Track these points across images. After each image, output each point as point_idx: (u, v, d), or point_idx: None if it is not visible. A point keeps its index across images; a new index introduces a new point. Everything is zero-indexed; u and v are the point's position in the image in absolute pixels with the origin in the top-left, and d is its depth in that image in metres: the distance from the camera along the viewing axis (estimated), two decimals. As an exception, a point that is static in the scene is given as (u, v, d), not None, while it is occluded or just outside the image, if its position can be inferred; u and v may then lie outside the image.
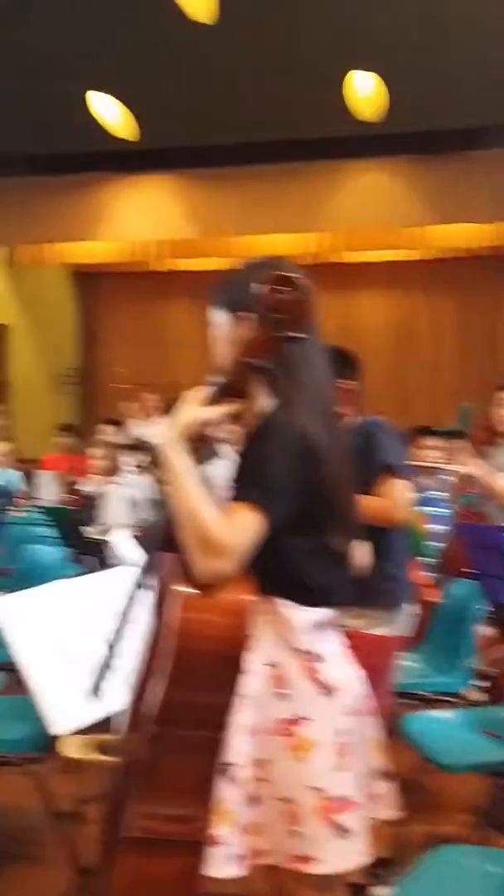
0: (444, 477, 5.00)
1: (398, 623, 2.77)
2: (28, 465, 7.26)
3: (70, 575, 4.58)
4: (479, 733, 2.85)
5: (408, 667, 3.39)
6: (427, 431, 5.33)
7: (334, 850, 1.69)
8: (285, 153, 8.48)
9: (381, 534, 2.55)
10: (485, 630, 3.74)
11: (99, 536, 5.02)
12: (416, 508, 4.23)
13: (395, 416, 3.32)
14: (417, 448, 5.10)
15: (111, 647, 1.73)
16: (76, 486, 6.15)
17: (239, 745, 1.68)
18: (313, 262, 8.49)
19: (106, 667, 1.75)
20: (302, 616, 1.75)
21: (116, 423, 7.73)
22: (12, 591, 4.23)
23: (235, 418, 1.78)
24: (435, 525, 4.60)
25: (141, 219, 9.45)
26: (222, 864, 1.65)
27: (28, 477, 7.06)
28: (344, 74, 7.52)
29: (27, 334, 11.40)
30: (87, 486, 5.95)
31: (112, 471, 5.57)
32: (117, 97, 8.06)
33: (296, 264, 1.77)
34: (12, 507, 6.42)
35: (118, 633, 1.74)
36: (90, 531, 5.17)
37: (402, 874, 1.80)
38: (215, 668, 1.64)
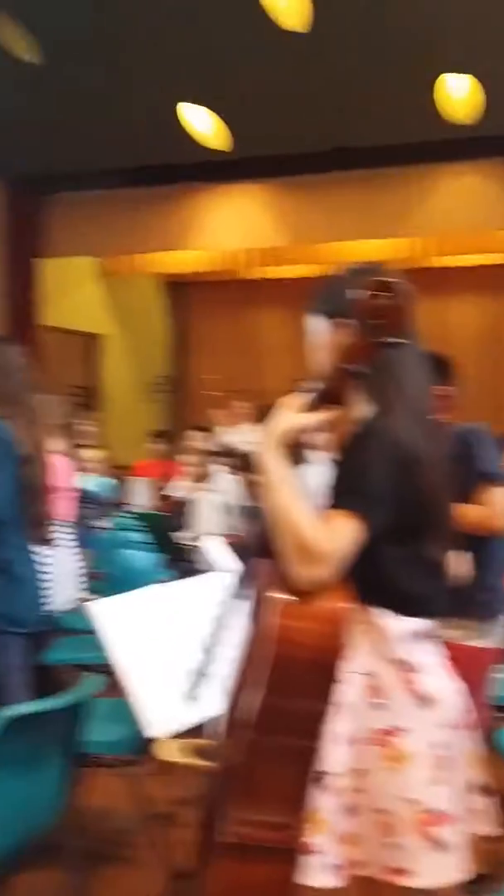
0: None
1: (495, 635, 2.71)
2: (120, 472, 7.39)
3: (162, 580, 4.65)
4: None
5: (504, 680, 3.31)
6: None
7: (431, 864, 1.66)
8: (377, 159, 8.43)
9: (479, 543, 2.50)
10: None
11: (190, 542, 5.07)
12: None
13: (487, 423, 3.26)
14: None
15: (207, 653, 1.74)
16: (167, 493, 6.23)
17: (335, 755, 1.67)
18: (404, 267, 8.35)
19: (202, 672, 1.76)
20: (398, 626, 1.72)
21: (205, 430, 7.80)
22: (106, 595, 4.31)
23: (333, 425, 1.77)
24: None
25: (231, 228, 9.52)
26: (318, 873, 1.64)
27: (121, 483, 7.19)
28: (435, 78, 7.44)
29: (120, 343, 11.62)
30: (178, 492, 6.02)
31: (203, 477, 5.62)
32: (209, 107, 8.15)
33: (394, 269, 1.75)
34: (105, 513, 6.54)
35: (214, 638, 1.75)
36: (181, 537, 5.23)
37: (500, 891, 1.75)
38: (312, 675, 1.63)
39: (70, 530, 4.61)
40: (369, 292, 1.65)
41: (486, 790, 1.81)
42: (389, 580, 1.74)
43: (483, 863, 2.20)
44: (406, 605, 1.74)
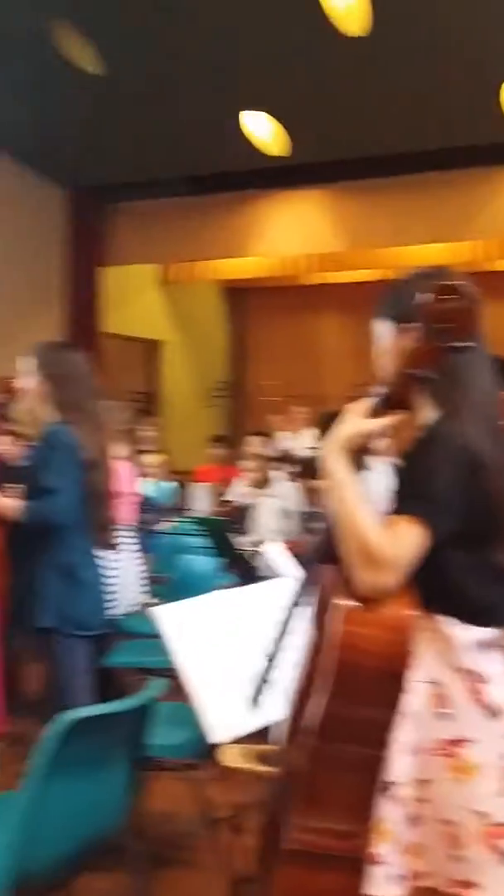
0: None
1: None
2: (180, 477, 7.43)
3: (223, 585, 4.66)
4: None
5: None
6: None
7: (498, 878, 1.63)
8: (438, 162, 8.35)
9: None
10: None
11: (250, 548, 5.07)
12: None
13: None
14: None
15: (270, 659, 1.74)
16: (227, 498, 6.25)
17: (400, 764, 1.65)
18: (467, 270, 8.30)
19: (265, 678, 1.75)
20: (465, 634, 1.70)
21: (264, 435, 7.80)
22: (167, 599, 4.34)
23: (397, 430, 1.75)
24: None
25: (291, 233, 9.53)
26: (383, 883, 1.62)
27: (181, 488, 7.23)
28: (499, 80, 7.34)
29: (180, 350, 11.71)
30: (238, 496, 6.03)
31: (263, 483, 5.62)
32: (269, 113, 8.17)
33: (461, 272, 1.73)
34: (165, 518, 6.59)
35: (277, 644, 1.75)
36: (241, 542, 5.23)
37: None
38: (377, 683, 1.61)
39: (132, 535, 4.66)
40: (435, 296, 1.64)
41: None
42: (455, 587, 1.71)
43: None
44: (473, 614, 1.71)
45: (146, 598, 4.60)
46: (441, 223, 8.68)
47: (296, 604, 1.76)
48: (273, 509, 5.46)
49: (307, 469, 5.80)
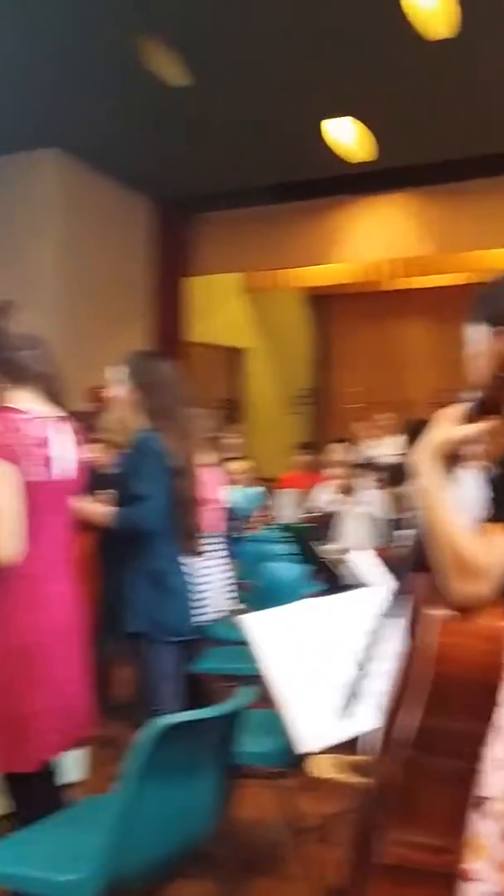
0: None
1: None
2: (264, 484, 7.45)
3: (309, 593, 4.65)
4: None
5: None
6: None
7: None
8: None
9: None
10: None
11: (335, 555, 5.04)
12: None
13: None
14: None
15: (361, 668, 1.72)
16: (312, 505, 6.23)
17: (494, 779, 1.60)
18: None
19: (355, 687, 1.73)
20: None
21: (348, 442, 7.76)
22: (252, 606, 4.35)
23: (491, 436, 1.71)
24: None
25: (375, 239, 9.47)
26: (477, 900, 1.58)
27: (266, 495, 7.24)
28: None
29: (264, 357, 11.76)
30: (323, 504, 6.01)
31: (348, 490, 5.58)
32: (354, 118, 8.14)
33: None
34: (250, 526, 6.61)
35: (368, 653, 1.73)
36: (327, 550, 5.21)
37: None
38: (472, 695, 1.57)
39: (218, 542, 4.68)
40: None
41: None
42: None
43: None
44: None
45: (232, 605, 4.61)
46: (528, 225, 8.52)
47: (388, 613, 1.73)
48: (359, 517, 5.42)
49: (393, 476, 5.75)
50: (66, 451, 2.38)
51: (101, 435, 5.08)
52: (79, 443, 2.49)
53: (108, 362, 3.22)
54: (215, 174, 8.82)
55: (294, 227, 9.57)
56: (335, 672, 1.98)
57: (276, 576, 4.59)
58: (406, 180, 8.91)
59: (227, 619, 4.47)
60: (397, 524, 5.48)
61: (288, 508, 7.09)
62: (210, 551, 3.99)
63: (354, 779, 1.90)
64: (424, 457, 1.67)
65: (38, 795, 2.34)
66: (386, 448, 8.00)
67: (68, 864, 1.78)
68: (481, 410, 1.70)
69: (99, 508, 3.01)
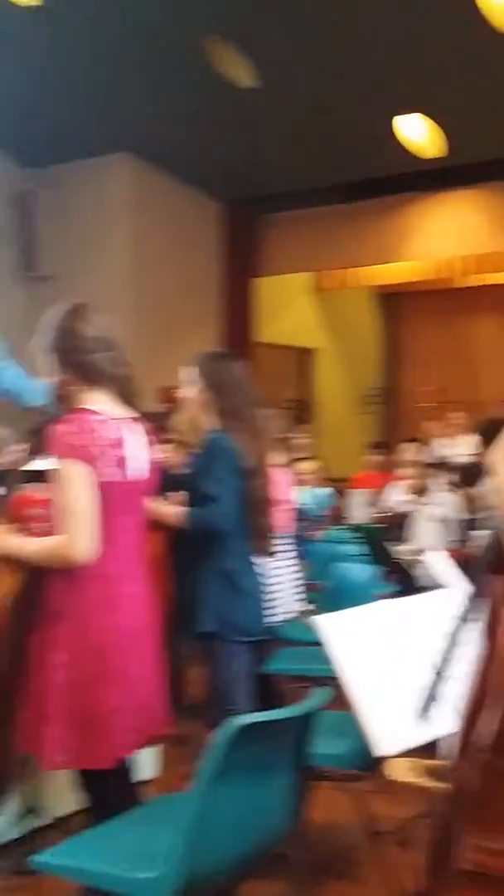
0: None
1: None
2: (334, 484, 7.41)
3: (380, 594, 4.60)
4: None
5: None
6: None
7: None
8: None
9: None
10: None
11: (408, 556, 4.99)
12: None
13: None
14: None
15: (439, 671, 1.69)
16: (384, 505, 6.18)
17: None
18: None
19: (433, 690, 1.71)
20: None
21: (420, 442, 7.67)
22: (323, 607, 4.32)
23: None
24: None
25: (445, 236, 9.35)
26: None
27: (335, 495, 7.20)
28: None
29: (333, 357, 11.70)
30: (395, 504, 5.95)
31: (421, 490, 5.51)
32: (424, 115, 8.05)
33: None
34: (320, 525, 6.58)
35: (445, 656, 1.70)
36: (399, 551, 5.15)
37: None
38: None
39: (288, 542, 4.67)
40: None
41: None
42: None
43: None
44: None
45: (302, 606, 4.60)
46: None
47: (465, 616, 1.70)
48: (432, 517, 5.35)
49: (466, 476, 5.66)
50: (139, 452, 2.40)
51: (172, 435, 5.12)
52: (151, 443, 2.51)
53: (179, 364, 3.24)
54: (284, 174, 8.82)
55: (364, 226, 9.51)
56: (412, 674, 1.96)
57: (347, 577, 4.56)
58: (477, 176, 8.77)
59: (298, 620, 4.46)
60: (470, 525, 5.39)
61: (359, 508, 7.04)
62: (281, 552, 3.99)
63: (431, 783, 1.87)
64: (502, 456, 1.64)
65: (113, 792, 2.36)
66: (459, 448, 7.90)
67: (145, 862, 1.79)
68: None
69: (171, 509, 3.02)
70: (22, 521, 2.47)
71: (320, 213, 9.64)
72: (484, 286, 10.91)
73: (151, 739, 2.48)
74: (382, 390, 12.30)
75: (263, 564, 3.44)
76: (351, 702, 1.92)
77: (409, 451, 6.87)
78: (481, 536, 1.72)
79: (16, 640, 2.32)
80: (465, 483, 5.65)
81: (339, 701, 2.18)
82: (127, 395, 2.44)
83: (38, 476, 2.61)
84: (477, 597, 1.71)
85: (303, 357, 11.56)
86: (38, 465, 2.52)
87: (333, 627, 1.97)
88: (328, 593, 4.60)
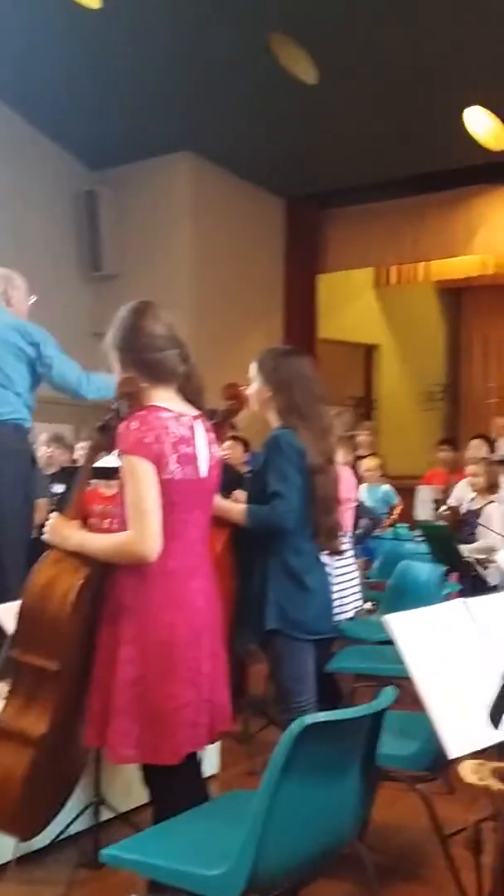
0: None
1: None
2: (396, 482, 7.34)
3: (446, 593, 4.54)
4: None
5: None
6: None
7: None
8: None
9: None
10: None
11: (476, 555, 4.91)
12: None
13: None
14: None
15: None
16: (452, 503, 6.10)
17: None
18: None
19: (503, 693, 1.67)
20: None
21: (486, 438, 7.56)
22: (386, 606, 4.28)
23: None
24: None
25: (511, 230, 9.20)
26: None
27: (397, 493, 7.14)
28: None
29: (395, 353, 11.61)
30: (462, 502, 5.86)
31: (490, 488, 5.41)
32: (491, 109, 7.92)
33: None
34: (382, 523, 6.53)
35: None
36: (466, 549, 5.08)
37: None
38: None
39: (350, 540, 4.64)
40: None
41: None
42: None
43: None
44: None
45: (361, 605, 4.57)
46: None
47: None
48: (500, 516, 5.25)
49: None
50: (204, 449, 2.40)
51: (236, 433, 5.13)
52: (216, 441, 2.51)
53: (243, 360, 3.23)
54: (346, 170, 8.76)
55: (428, 220, 9.41)
56: (485, 675, 1.92)
57: (411, 575, 4.51)
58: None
59: (360, 618, 4.43)
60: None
61: (426, 506, 6.96)
62: (344, 550, 3.96)
63: (499, 785, 1.83)
64: None
65: (179, 788, 2.37)
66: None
67: (214, 859, 1.79)
68: None
69: (235, 506, 3.02)
70: (89, 517, 2.50)
71: (382, 207, 9.56)
72: (551, 280, 10.71)
73: (216, 736, 2.48)
74: (445, 387, 12.16)
75: (330, 563, 3.43)
76: (423, 702, 1.89)
77: (476, 448, 6.78)
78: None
79: (85, 635, 2.35)
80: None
81: (402, 700, 2.15)
82: (192, 393, 2.45)
83: (106, 473, 2.63)
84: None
85: (365, 353, 11.49)
86: (105, 461, 2.54)
87: (405, 627, 1.94)
88: (391, 592, 4.56)
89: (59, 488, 5.75)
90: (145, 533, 2.23)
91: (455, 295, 12.24)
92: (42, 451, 6.25)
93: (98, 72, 7.87)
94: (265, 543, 2.99)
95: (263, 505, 2.95)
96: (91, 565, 2.34)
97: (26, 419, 3.89)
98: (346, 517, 4.37)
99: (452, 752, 1.87)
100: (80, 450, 6.17)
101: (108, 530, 2.42)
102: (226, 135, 8.54)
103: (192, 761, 2.44)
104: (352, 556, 4.56)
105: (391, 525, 6.71)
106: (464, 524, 5.41)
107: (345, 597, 4.21)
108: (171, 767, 2.29)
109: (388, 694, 1.90)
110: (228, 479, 2.86)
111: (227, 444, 4.64)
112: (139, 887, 2.27)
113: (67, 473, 6.01)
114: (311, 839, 1.82)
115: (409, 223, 9.49)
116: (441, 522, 5.86)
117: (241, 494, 3.19)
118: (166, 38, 7.38)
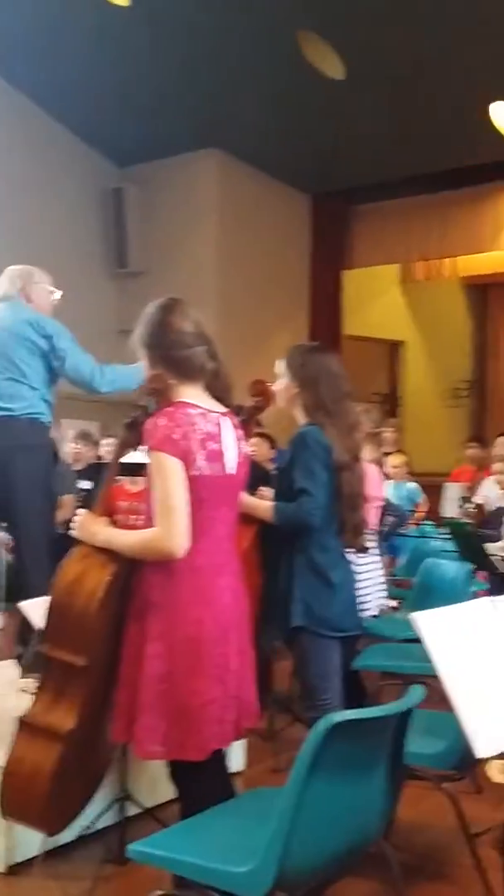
0: None
1: None
2: (421, 479, 7.30)
3: (472, 591, 4.51)
4: None
5: None
6: None
7: None
8: None
9: None
10: None
11: (502, 553, 4.88)
12: None
13: None
14: None
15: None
16: (477, 501, 6.06)
17: None
18: None
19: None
20: None
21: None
22: (411, 603, 4.26)
23: None
24: None
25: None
26: None
27: (423, 490, 7.11)
28: None
29: (421, 349, 11.55)
30: (488, 499, 5.82)
31: (516, 486, 5.38)
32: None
33: None
34: (408, 521, 6.49)
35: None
36: (493, 547, 5.04)
37: None
38: None
39: (375, 538, 4.62)
40: None
41: None
42: None
43: None
44: None
45: (386, 602, 4.55)
46: None
47: None
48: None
49: None
50: (232, 446, 2.40)
51: (263, 429, 5.12)
52: (243, 437, 2.51)
53: (269, 357, 3.23)
54: (372, 166, 8.72)
55: (454, 216, 9.35)
56: (511, 675, 1.91)
57: (437, 573, 4.49)
58: None
59: (386, 616, 4.42)
60: None
61: (453, 504, 6.92)
62: (370, 547, 3.95)
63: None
64: None
65: (205, 784, 2.38)
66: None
67: (240, 856, 1.79)
68: None
69: (261, 503, 3.02)
70: (117, 513, 2.50)
71: (408, 203, 9.51)
72: None
73: (242, 733, 2.49)
74: (471, 383, 12.08)
75: (356, 560, 3.42)
76: (450, 700, 1.88)
77: (502, 446, 6.72)
78: None
79: (113, 631, 2.35)
80: None
81: (429, 699, 2.14)
82: (220, 389, 2.45)
83: (134, 469, 2.64)
84: None
85: (391, 350, 11.44)
86: (133, 458, 2.54)
87: (432, 624, 1.93)
88: (417, 590, 4.54)
89: (86, 484, 5.79)
90: (172, 530, 2.24)
91: (481, 291, 12.15)
92: (69, 448, 6.28)
93: (126, 69, 7.89)
94: (291, 540, 2.98)
95: (290, 502, 2.95)
96: (119, 561, 2.34)
97: (43, 413, 3.77)
98: (372, 514, 4.35)
99: (480, 751, 1.86)
100: (107, 446, 6.20)
101: (135, 526, 2.42)
102: (252, 132, 8.53)
103: (219, 758, 2.44)
104: (377, 554, 4.54)
105: (417, 523, 6.68)
106: (490, 522, 5.37)
107: (368, 594, 4.20)
108: (197, 764, 2.30)
109: (416, 692, 1.89)
110: (254, 476, 2.86)
111: (253, 440, 4.65)
112: (165, 883, 2.28)
113: (94, 470, 6.06)
114: (337, 837, 1.82)
115: (435, 219, 9.44)
116: (467, 520, 5.82)
117: (267, 491, 3.19)
118: (194, 35, 7.38)
